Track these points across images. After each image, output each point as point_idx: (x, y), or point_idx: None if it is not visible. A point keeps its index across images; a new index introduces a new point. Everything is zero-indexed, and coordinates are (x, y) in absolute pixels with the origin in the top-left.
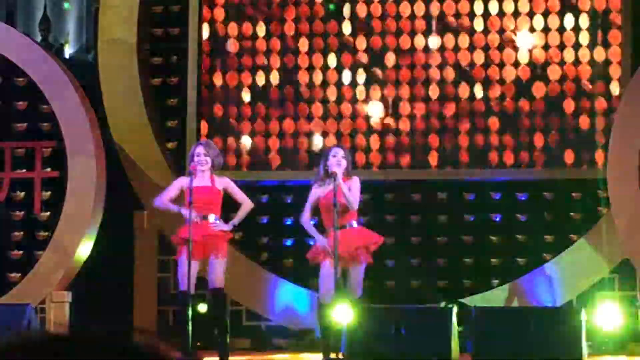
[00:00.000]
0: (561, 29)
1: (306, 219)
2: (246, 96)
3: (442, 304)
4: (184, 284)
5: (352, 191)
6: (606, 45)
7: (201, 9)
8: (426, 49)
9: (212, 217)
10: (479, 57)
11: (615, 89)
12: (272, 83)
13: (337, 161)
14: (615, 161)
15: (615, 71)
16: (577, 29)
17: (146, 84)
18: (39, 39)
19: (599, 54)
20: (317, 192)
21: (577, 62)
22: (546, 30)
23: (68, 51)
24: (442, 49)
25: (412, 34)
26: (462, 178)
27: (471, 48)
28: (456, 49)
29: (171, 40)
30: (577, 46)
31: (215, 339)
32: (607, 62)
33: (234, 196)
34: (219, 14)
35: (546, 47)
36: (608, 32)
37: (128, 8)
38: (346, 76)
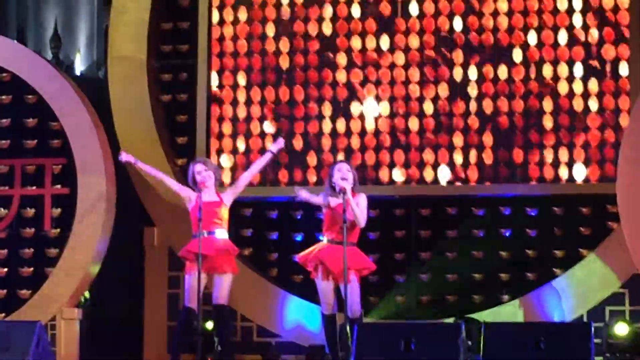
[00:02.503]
0: (570, 43)
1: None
2: (255, 113)
3: (452, 319)
4: (190, 300)
5: (360, 208)
6: (615, 59)
7: (210, 26)
8: (434, 63)
9: (217, 233)
10: (489, 72)
11: (624, 103)
12: (282, 99)
13: (342, 175)
14: (625, 176)
15: (624, 86)
16: (586, 43)
17: (156, 100)
18: (49, 56)
19: (608, 68)
20: (326, 198)
21: (586, 77)
22: (555, 45)
23: (79, 68)
24: (450, 63)
25: (422, 49)
26: (471, 193)
27: (480, 63)
28: (465, 65)
29: (180, 57)
30: (585, 61)
31: (217, 354)
32: (617, 77)
33: (237, 189)
34: (228, 30)
35: (555, 62)
36: (617, 46)
37: (138, 25)
38: (355, 93)
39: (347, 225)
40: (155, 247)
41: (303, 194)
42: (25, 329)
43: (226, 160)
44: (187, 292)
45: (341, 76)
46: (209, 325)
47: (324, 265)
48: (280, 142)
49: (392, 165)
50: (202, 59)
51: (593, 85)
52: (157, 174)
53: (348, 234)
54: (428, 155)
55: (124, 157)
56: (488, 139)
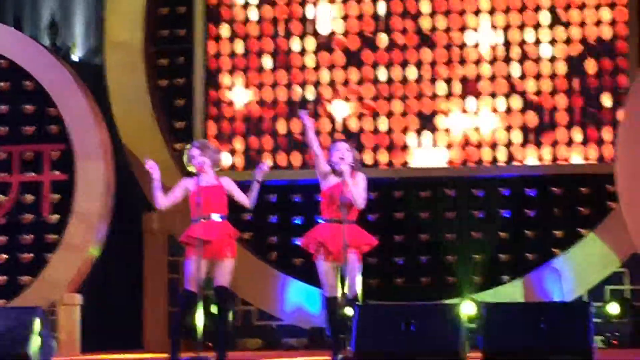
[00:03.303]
0: (567, 24)
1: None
2: (253, 96)
3: (457, 300)
4: (190, 283)
5: (358, 188)
6: (614, 39)
7: (207, 10)
8: (431, 46)
9: (216, 217)
10: (489, 56)
11: (623, 83)
12: (280, 83)
13: (341, 155)
14: (623, 156)
15: (623, 65)
16: (583, 23)
17: (153, 85)
18: (47, 43)
19: (607, 49)
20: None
21: (584, 56)
22: (552, 26)
23: (76, 55)
24: (447, 46)
25: (425, 38)
26: (470, 175)
27: (482, 46)
28: (462, 45)
29: (177, 42)
30: (584, 41)
31: (219, 336)
32: (614, 56)
33: (234, 194)
34: (225, 14)
35: (552, 42)
36: (615, 25)
37: (134, 10)
38: (354, 75)
39: (345, 203)
40: (155, 232)
41: (307, 121)
42: (25, 315)
43: (224, 144)
44: (187, 276)
45: (338, 60)
46: (213, 309)
47: (324, 246)
48: (263, 167)
49: (390, 148)
50: (199, 43)
51: (590, 64)
52: (158, 197)
53: (347, 213)
54: (428, 138)
55: (149, 164)
56: (490, 120)
